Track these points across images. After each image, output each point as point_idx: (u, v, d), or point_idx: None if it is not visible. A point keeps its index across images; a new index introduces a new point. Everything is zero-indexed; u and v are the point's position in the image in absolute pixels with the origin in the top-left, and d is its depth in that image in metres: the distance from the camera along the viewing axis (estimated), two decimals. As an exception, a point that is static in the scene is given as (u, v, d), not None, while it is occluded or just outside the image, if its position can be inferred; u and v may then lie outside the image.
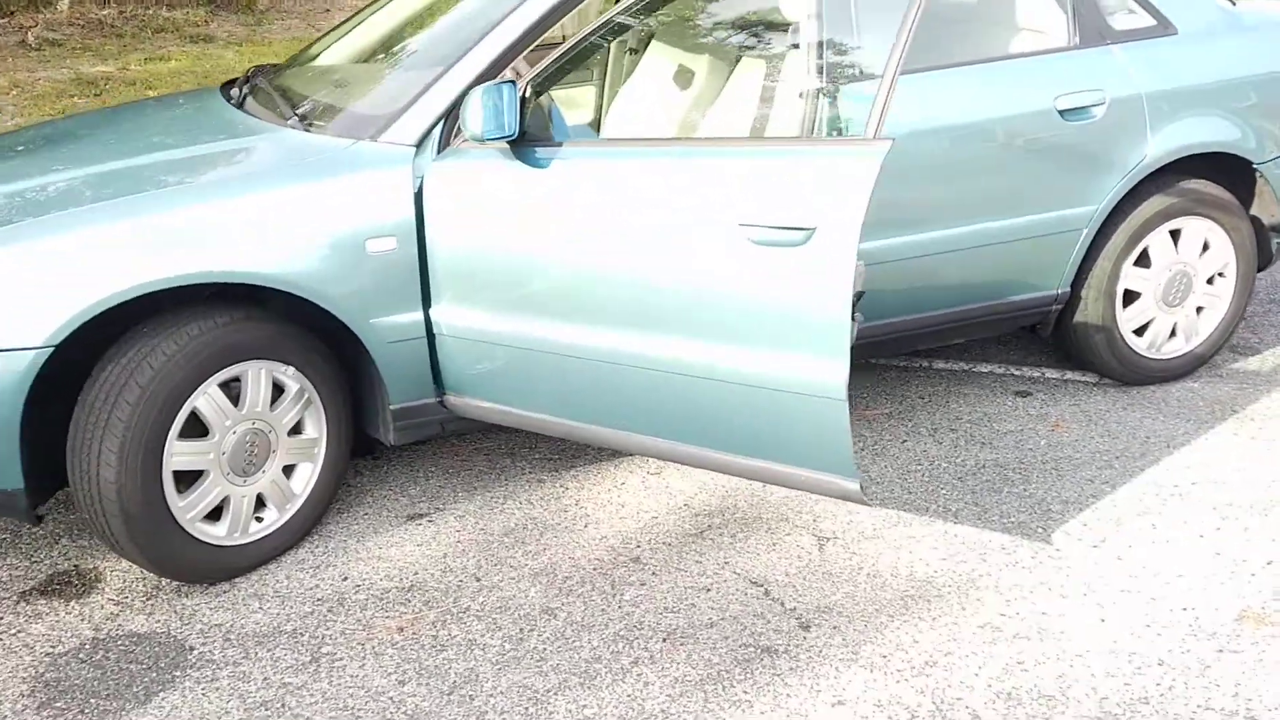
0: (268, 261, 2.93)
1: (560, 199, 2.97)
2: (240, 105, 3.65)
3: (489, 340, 3.10)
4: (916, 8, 2.61)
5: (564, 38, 4.08)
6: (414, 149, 3.08)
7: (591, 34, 3.06)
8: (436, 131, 3.11)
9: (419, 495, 3.53)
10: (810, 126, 3.29)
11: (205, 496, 3.02)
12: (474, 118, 2.88)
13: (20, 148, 3.58)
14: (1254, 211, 4.14)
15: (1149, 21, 3.86)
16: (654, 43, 4.06)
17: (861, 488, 2.75)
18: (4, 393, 2.76)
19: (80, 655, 2.83)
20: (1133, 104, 3.73)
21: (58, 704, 2.67)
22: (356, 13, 4.22)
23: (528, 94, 2.99)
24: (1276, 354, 4.41)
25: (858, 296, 2.62)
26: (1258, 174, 4.02)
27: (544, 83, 3.04)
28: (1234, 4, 4.08)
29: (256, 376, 3.03)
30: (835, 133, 3.30)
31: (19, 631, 2.92)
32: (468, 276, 3.07)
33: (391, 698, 2.67)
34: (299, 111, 3.38)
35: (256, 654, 2.83)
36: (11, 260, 2.79)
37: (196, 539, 3.02)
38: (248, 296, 3.03)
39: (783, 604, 2.97)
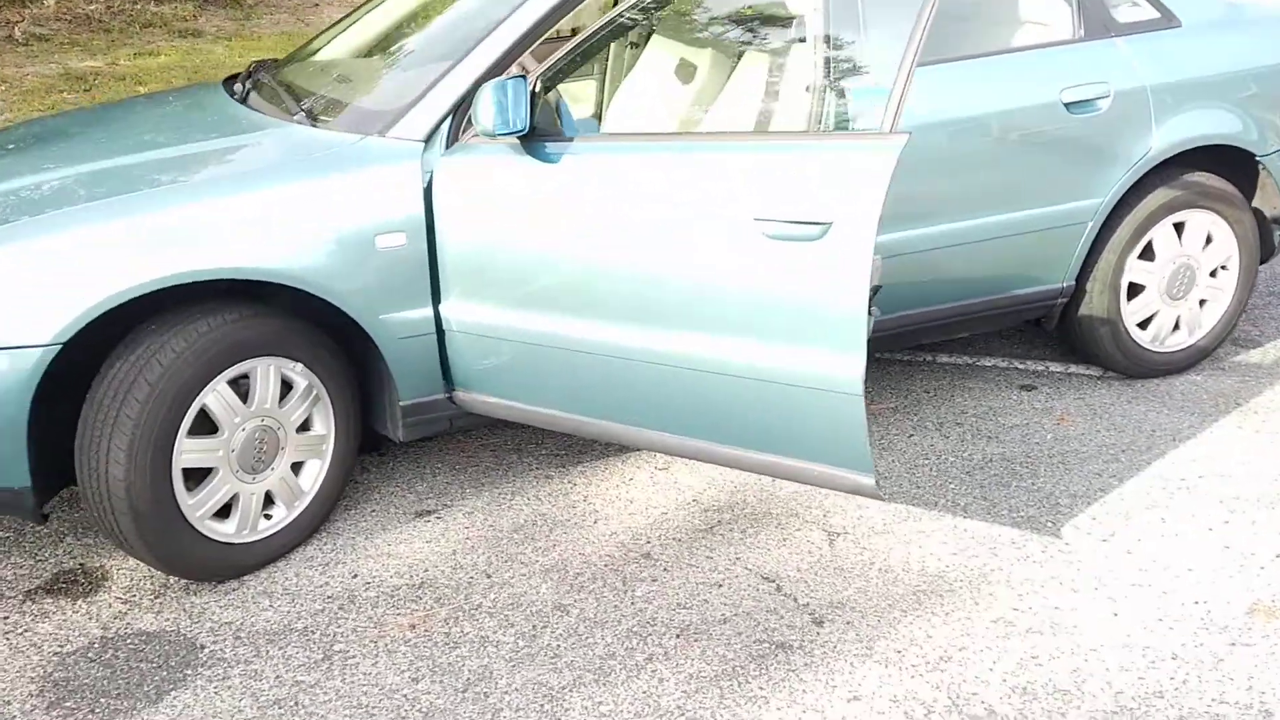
0: (278, 258, 2.91)
1: (572, 194, 2.96)
2: (244, 100, 3.63)
3: (499, 336, 3.09)
4: (932, 2, 2.60)
5: (572, 31, 4.08)
6: (423, 144, 3.07)
7: (601, 28, 3.04)
8: (445, 127, 3.09)
9: (426, 492, 3.52)
10: (817, 121, 3.28)
11: (214, 494, 3.00)
12: (485, 113, 2.87)
13: (27, 143, 3.55)
14: (1256, 204, 4.15)
15: (1153, 14, 3.86)
16: (655, 36, 4.04)
17: (876, 482, 2.75)
18: (11, 391, 2.74)
19: (89, 654, 2.82)
20: (1137, 97, 3.73)
21: (67, 703, 2.65)
22: (359, 6, 4.19)
23: (537, 89, 2.97)
24: (1278, 346, 4.43)
25: (874, 290, 2.61)
26: (1260, 167, 4.03)
27: (553, 77, 3.03)
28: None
29: (265, 373, 3.01)
30: (842, 127, 3.29)
31: (26, 630, 2.90)
32: (478, 272, 3.05)
33: (406, 695, 2.66)
34: (305, 107, 3.35)
35: (268, 652, 2.81)
36: (21, 257, 2.77)
37: (206, 537, 3.00)
38: (256, 293, 3.01)
39: (795, 599, 2.97)
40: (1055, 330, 4.10)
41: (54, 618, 2.95)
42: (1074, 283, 3.90)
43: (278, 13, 12.59)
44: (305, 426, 3.16)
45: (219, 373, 2.91)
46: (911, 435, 3.80)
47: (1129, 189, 3.81)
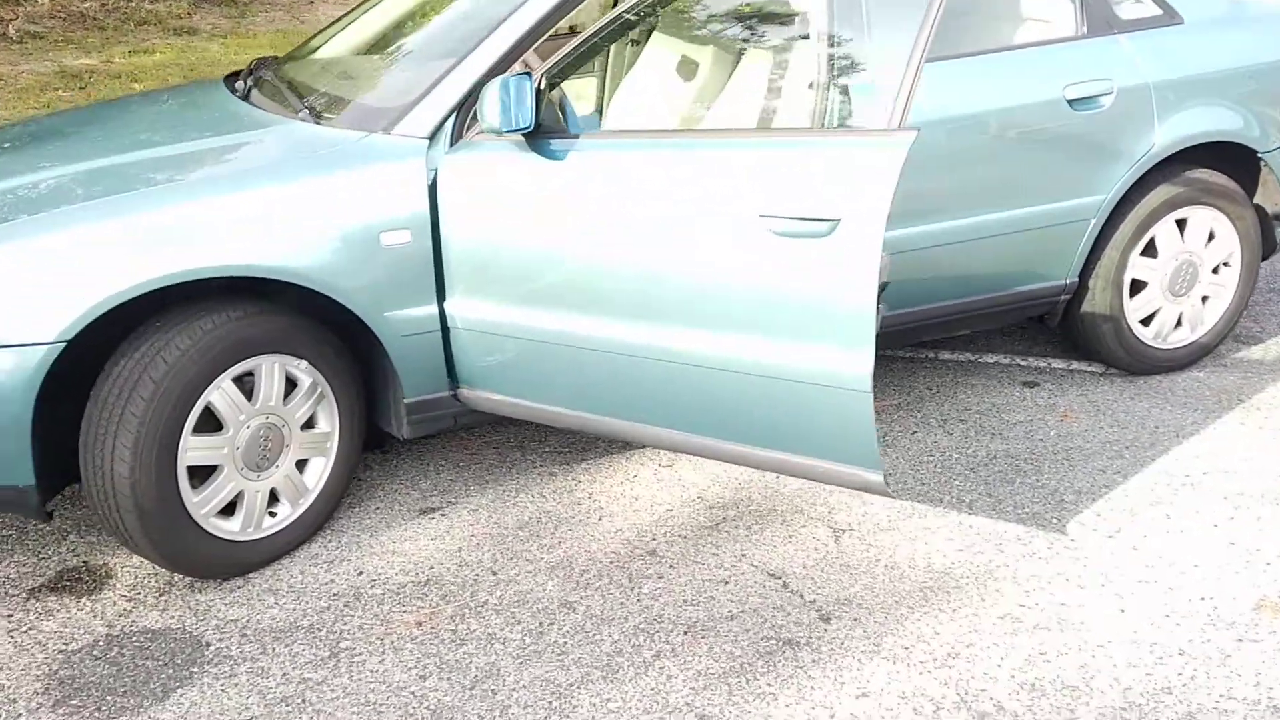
0: (283, 255, 2.90)
1: (578, 191, 2.95)
2: (246, 97, 3.62)
3: (503, 333, 3.09)
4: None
5: (570, 29, 4.07)
6: (427, 141, 3.06)
7: (606, 26, 3.03)
8: (449, 124, 3.08)
9: (430, 489, 3.51)
10: (820, 118, 3.27)
11: (219, 491, 2.99)
12: (491, 110, 2.86)
13: (30, 142, 3.54)
14: (1258, 200, 4.15)
15: (1155, 11, 3.87)
16: (656, 34, 4.04)
17: (885, 479, 2.74)
18: (16, 389, 2.73)
19: (94, 652, 2.81)
20: (1140, 93, 3.73)
21: (73, 701, 2.65)
22: (360, 4, 4.18)
23: (542, 86, 2.96)
24: (1279, 343, 4.43)
25: (882, 287, 2.61)
26: (1262, 163, 4.03)
27: (558, 75, 3.02)
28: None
29: (270, 370, 3.00)
30: (846, 124, 3.28)
31: (30, 629, 2.89)
32: (483, 269, 3.05)
33: (413, 693, 2.66)
34: (309, 104, 3.35)
35: (274, 649, 2.81)
36: (26, 254, 2.76)
37: (211, 534, 3.00)
38: (260, 290, 3.00)
39: (802, 596, 2.97)
40: (1057, 327, 4.10)
41: (58, 615, 2.94)
42: (1077, 279, 3.91)
43: (273, 10, 12.57)
44: (310, 424, 3.15)
45: (224, 370, 2.90)
46: (915, 432, 3.80)
47: (1132, 186, 3.82)
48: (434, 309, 3.10)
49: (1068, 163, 3.71)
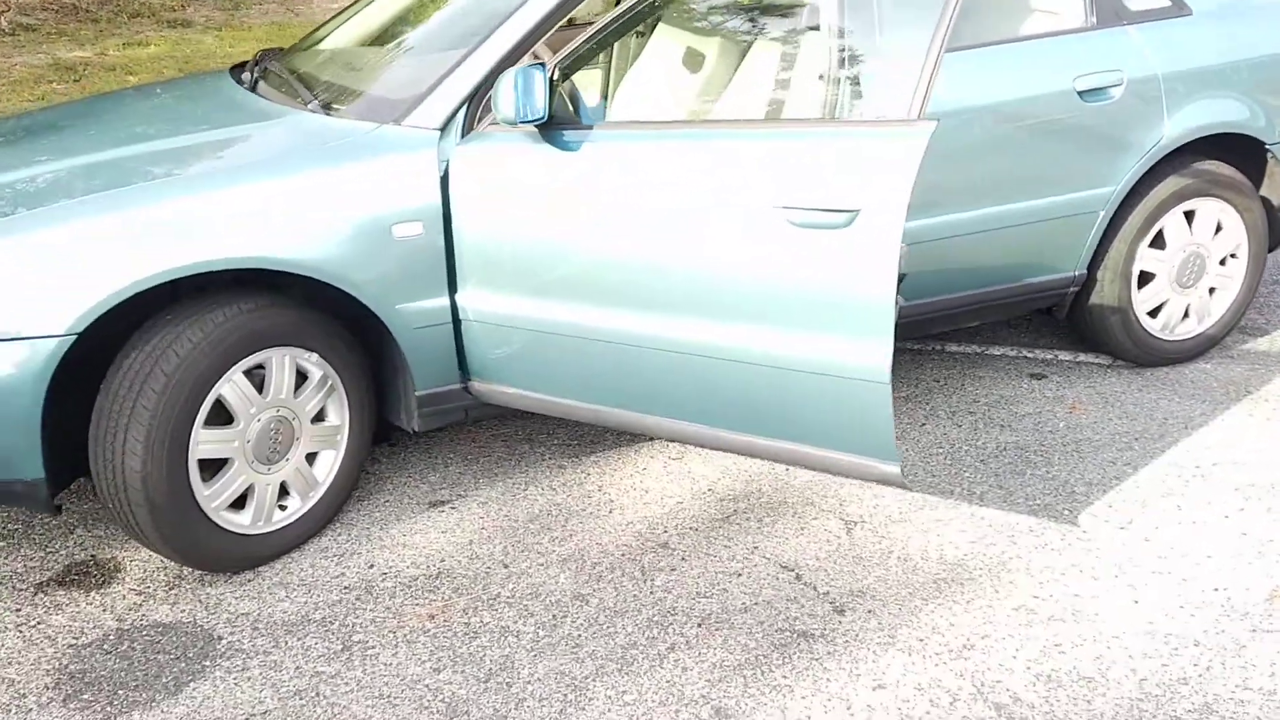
0: (295, 247, 2.89)
1: (592, 182, 2.94)
2: (253, 89, 3.59)
3: (516, 325, 3.07)
4: (960, -13, 2.59)
5: (568, 22, 4.04)
6: (438, 133, 3.04)
7: (619, 16, 3.02)
8: (461, 115, 3.07)
9: (439, 482, 3.50)
10: (831, 110, 3.26)
11: (230, 485, 2.98)
12: (505, 101, 2.85)
13: (41, 132, 3.51)
14: (1264, 192, 4.15)
15: (1164, 2, 3.86)
16: (661, 25, 4.02)
17: (902, 470, 2.74)
18: (26, 382, 2.71)
19: (104, 646, 2.79)
20: (1149, 85, 3.73)
21: (85, 695, 2.63)
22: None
23: (555, 77, 2.95)
24: (1284, 335, 4.45)
25: (900, 278, 2.60)
26: (1269, 155, 4.03)
27: (571, 65, 3.01)
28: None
29: (281, 363, 2.99)
30: (856, 116, 3.27)
31: (39, 623, 2.88)
32: (495, 261, 3.03)
33: (428, 685, 2.65)
34: (318, 95, 3.33)
35: (287, 643, 2.79)
36: (36, 247, 2.74)
37: (221, 528, 2.98)
38: (271, 282, 2.99)
39: (815, 588, 2.96)
40: (1065, 319, 4.10)
41: (67, 610, 2.92)
42: (1086, 271, 3.90)
43: (267, 2, 12.53)
44: (320, 417, 3.14)
45: (235, 363, 2.89)
46: (924, 424, 3.79)
47: (1141, 177, 3.81)
48: (445, 301, 3.08)
49: (1078, 154, 3.70)
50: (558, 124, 2.96)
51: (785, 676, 2.65)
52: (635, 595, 2.95)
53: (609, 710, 2.56)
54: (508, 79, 2.85)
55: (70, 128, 3.51)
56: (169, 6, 11.69)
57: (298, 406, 3.05)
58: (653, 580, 3.01)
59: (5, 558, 3.14)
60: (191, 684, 2.66)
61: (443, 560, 3.11)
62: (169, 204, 2.83)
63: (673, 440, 3.10)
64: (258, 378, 2.97)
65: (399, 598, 2.95)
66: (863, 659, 2.71)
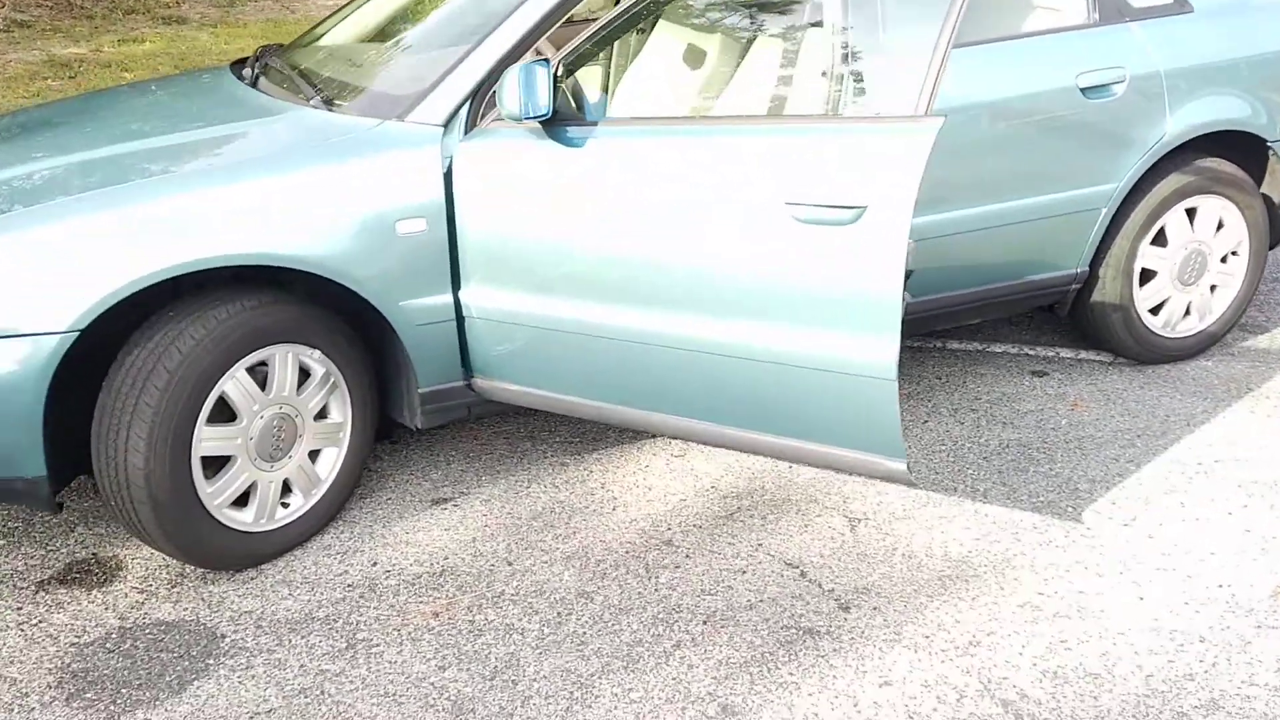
0: (298, 244, 2.88)
1: (596, 179, 2.93)
2: (254, 85, 3.58)
3: (520, 322, 3.06)
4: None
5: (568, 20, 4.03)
6: (442, 129, 3.03)
7: (624, 13, 3.01)
8: (464, 111, 3.06)
9: (441, 480, 3.49)
10: (834, 106, 3.25)
11: (233, 482, 2.97)
12: (510, 97, 2.84)
13: (40, 129, 3.50)
14: (1265, 190, 4.15)
15: (1165, -1, 3.86)
16: (662, 21, 4.00)
17: (908, 467, 2.73)
18: (28, 379, 2.70)
19: (107, 645, 2.78)
20: (1152, 82, 3.73)
21: (88, 694, 2.62)
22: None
23: (559, 73, 2.94)
24: (1284, 332, 4.45)
25: (907, 275, 2.60)
26: (1271, 152, 4.03)
27: (575, 62, 3.00)
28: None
29: (284, 360, 2.97)
30: (859, 112, 3.26)
31: (40, 621, 2.86)
32: (499, 258, 3.02)
33: (433, 683, 2.64)
34: (320, 91, 3.31)
35: (291, 641, 2.78)
36: (39, 243, 2.73)
37: (224, 526, 2.97)
38: (274, 279, 2.98)
39: (820, 585, 2.96)
40: (1066, 316, 4.10)
41: (69, 608, 2.91)
42: (1088, 268, 3.90)
43: (262, -1, 12.49)
44: (322, 414, 3.13)
45: (238, 360, 2.88)
46: (926, 421, 3.79)
47: (1143, 174, 3.81)
48: (449, 298, 3.08)
49: (1080, 151, 3.70)
50: (562, 120, 2.95)
51: (791, 674, 2.65)
52: (640, 592, 2.94)
53: (616, 708, 2.55)
54: (512, 75, 2.84)
55: (72, 124, 3.50)
56: (164, 3, 11.65)
57: (300, 403, 3.04)
58: (657, 577, 3.00)
59: (6, 556, 3.13)
60: (195, 682, 2.65)
61: (446, 558, 3.10)
62: (171, 200, 2.82)
63: (678, 438, 3.10)
64: (260, 375, 2.96)
65: (403, 595, 2.94)
66: (869, 656, 2.70)
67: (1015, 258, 3.76)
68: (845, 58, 3.27)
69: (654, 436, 3.68)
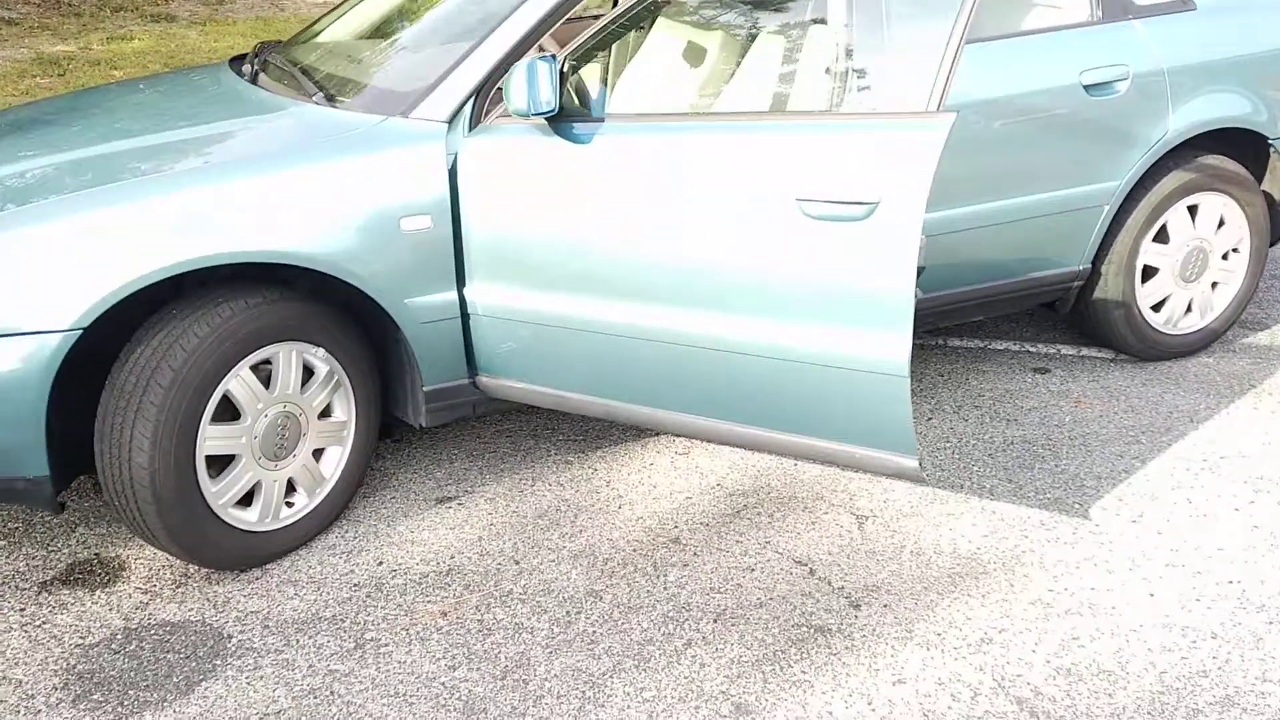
0: (301, 241, 2.85)
1: (603, 175, 2.91)
2: (253, 81, 3.55)
3: (525, 319, 3.04)
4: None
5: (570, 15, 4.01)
6: (446, 125, 3.01)
7: (631, 7, 2.99)
8: (468, 108, 3.04)
9: (445, 479, 3.47)
10: (838, 102, 3.24)
11: (237, 481, 2.94)
12: (518, 93, 2.82)
13: (41, 125, 3.46)
14: (1266, 187, 4.16)
15: (1168, -3, 3.86)
16: (661, 18, 3.99)
17: (920, 464, 2.72)
18: (31, 377, 2.67)
19: (113, 646, 2.75)
20: (1155, 79, 3.73)
21: (94, 696, 2.59)
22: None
23: (565, 69, 2.92)
24: (1283, 329, 4.46)
25: (919, 271, 2.58)
26: (1271, 149, 4.03)
27: (581, 58, 2.98)
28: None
29: (288, 358, 2.95)
30: (864, 108, 3.25)
31: (44, 622, 2.84)
32: (504, 255, 3.00)
33: (444, 683, 2.62)
34: (322, 87, 3.29)
35: (298, 641, 2.76)
36: (42, 240, 2.70)
37: (229, 525, 2.94)
38: (277, 277, 2.95)
39: (829, 583, 2.95)
40: (1068, 313, 4.10)
41: (73, 609, 2.88)
42: (1090, 265, 3.90)
43: (251, -3, 12.43)
44: (326, 413, 3.10)
45: (243, 358, 2.85)
46: (930, 419, 3.78)
47: (1146, 172, 3.81)
48: (454, 295, 3.05)
49: (1083, 148, 3.70)
50: (568, 116, 2.93)
51: (804, 672, 2.64)
52: (649, 591, 2.93)
53: (629, 707, 2.54)
54: (519, 70, 2.82)
55: (70, 122, 3.46)
56: (153, 1, 11.59)
57: (305, 402, 3.02)
58: (665, 576, 2.99)
59: (7, 557, 3.10)
60: (203, 683, 2.63)
61: (452, 557, 3.08)
62: (173, 198, 2.79)
63: (687, 435, 3.08)
64: (264, 373, 2.94)
65: (410, 595, 2.92)
66: (881, 654, 2.69)
67: (1018, 254, 3.75)
68: (850, 55, 3.26)
69: (657, 434, 3.66)
